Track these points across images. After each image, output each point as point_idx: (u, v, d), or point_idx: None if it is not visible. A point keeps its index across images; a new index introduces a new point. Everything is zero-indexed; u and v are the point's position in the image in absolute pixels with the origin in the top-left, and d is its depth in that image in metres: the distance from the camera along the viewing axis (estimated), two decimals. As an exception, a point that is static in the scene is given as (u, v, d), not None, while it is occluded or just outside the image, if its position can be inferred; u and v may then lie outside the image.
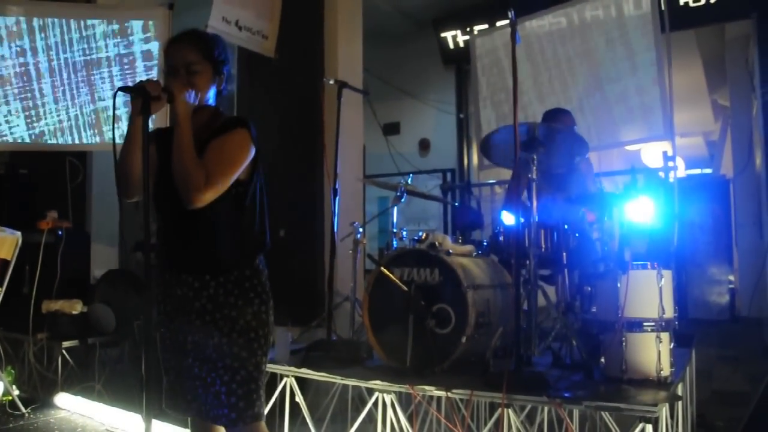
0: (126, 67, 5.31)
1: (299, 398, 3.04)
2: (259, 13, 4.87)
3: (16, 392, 4.11)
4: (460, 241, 3.46)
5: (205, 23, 4.50)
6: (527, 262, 2.93)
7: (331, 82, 3.86)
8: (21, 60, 5.23)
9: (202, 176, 1.84)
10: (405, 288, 3.00)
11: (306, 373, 3.03)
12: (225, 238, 1.97)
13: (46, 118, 5.26)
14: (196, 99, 1.91)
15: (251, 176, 2.01)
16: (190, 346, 1.97)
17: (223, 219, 1.96)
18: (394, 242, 3.65)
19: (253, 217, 2.03)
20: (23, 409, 3.99)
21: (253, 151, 1.97)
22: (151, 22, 5.29)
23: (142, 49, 5.30)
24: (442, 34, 8.26)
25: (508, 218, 3.37)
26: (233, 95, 5.58)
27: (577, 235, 3.22)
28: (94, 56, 5.30)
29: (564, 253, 3.19)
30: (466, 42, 7.65)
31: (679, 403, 2.86)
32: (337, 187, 3.68)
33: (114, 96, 1.75)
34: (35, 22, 5.26)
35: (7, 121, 5.21)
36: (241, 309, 1.96)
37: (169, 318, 2.02)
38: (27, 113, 5.24)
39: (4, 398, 4.09)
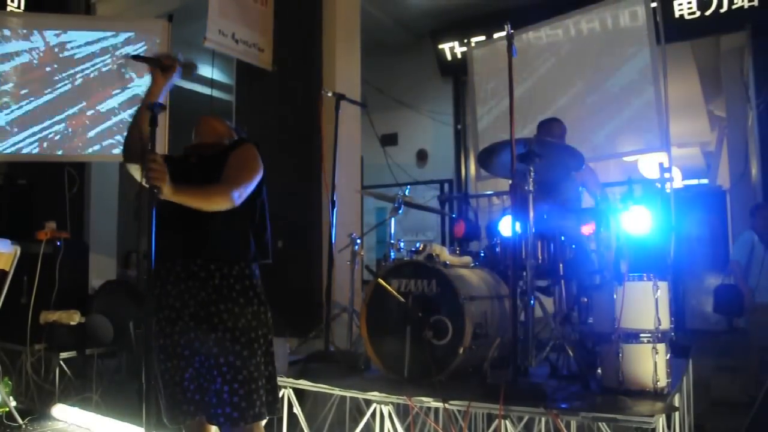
0: (125, 78, 5.34)
1: (297, 409, 3.04)
2: (253, 26, 4.92)
3: (13, 403, 4.09)
4: (457, 252, 3.47)
5: (204, 36, 4.54)
6: (524, 273, 2.94)
7: (330, 94, 3.89)
8: (21, 69, 5.26)
9: (226, 188, 2.07)
10: (402, 299, 3.01)
11: (304, 384, 3.04)
12: (233, 232, 2.15)
13: (43, 129, 5.28)
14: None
15: (259, 191, 2.24)
16: (196, 344, 2.04)
17: (234, 220, 2.14)
18: (392, 253, 3.66)
19: (261, 229, 2.25)
20: (20, 421, 3.97)
21: (261, 167, 2.22)
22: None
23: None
24: (440, 46, 8.31)
25: (505, 228, 3.38)
26: (231, 107, 5.61)
27: (573, 246, 3.24)
28: (94, 68, 5.33)
29: (561, 264, 3.21)
30: (463, 53, 7.69)
31: (676, 413, 2.87)
32: (334, 198, 3.69)
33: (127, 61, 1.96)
34: (35, 32, 5.29)
35: (7, 132, 5.24)
36: (242, 306, 2.08)
37: (171, 323, 2.08)
38: (26, 124, 5.26)
39: (1, 410, 4.07)
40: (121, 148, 2.22)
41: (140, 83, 5.31)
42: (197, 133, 2.37)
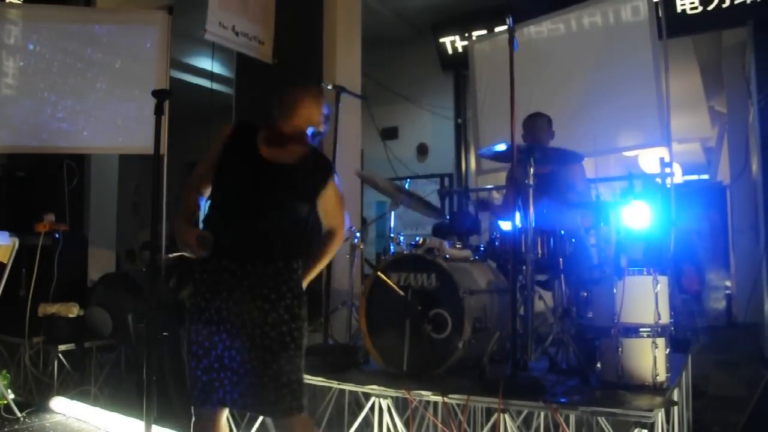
0: (126, 71, 5.30)
1: (296, 403, 3.03)
2: (254, 18, 4.90)
3: (11, 396, 4.09)
4: (457, 246, 3.46)
5: (204, 28, 4.52)
6: (524, 267, 2.93)
7: (330, 86, 3.87)
8: (23, 63, 5.23)
9: (340, 237, 2.38)
10: (402, 293, 3.00)
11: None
12: (285, 234, 2.18)
13: (45, 122, 5.25)
14: None
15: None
16: (227, 333, 2.05)
17: (291, 225, 2.20)
18: (392, 247, 3.65)
19: (313, 235, 2.29)
20: (18, 414, 3.97)
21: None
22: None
23: (142, 55, 5.29)
24: (441, 40, 8.28)
25: (505, 224, 3.37)
26: (231, 100, 5.59)
27: (573, 240, 3.23)
28: (94, 61, 5.29)
29: (560, 259, 3.20)
30: (464, 47, 7.67)
31: (675, 408, 2.87)
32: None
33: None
34: (36, 26, 5.26)
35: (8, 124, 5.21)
36: (274, 302, 2.07)
37: (208, 302, 2.09)
38: (26, 117, 5.24)
39: None
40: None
41: (141, 79, 5.27)
42: (293, 115, 2.44)
